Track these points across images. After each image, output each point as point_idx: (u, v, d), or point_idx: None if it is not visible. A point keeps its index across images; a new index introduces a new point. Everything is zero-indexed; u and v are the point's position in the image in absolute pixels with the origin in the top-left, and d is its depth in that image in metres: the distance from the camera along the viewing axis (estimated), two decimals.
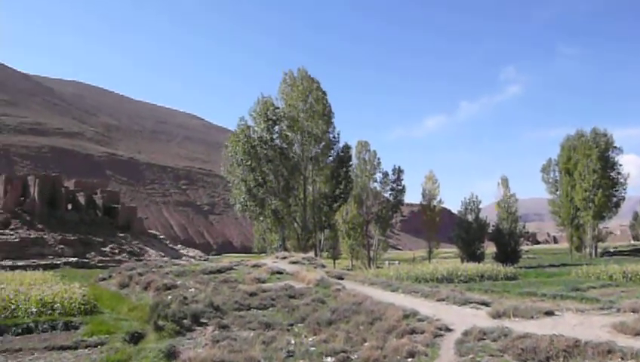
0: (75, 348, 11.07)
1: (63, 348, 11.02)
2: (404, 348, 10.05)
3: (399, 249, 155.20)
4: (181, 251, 77.67)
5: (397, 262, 59.58)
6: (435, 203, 67.80)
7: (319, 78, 48.35)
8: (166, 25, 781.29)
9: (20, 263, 42.52)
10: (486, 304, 15.60)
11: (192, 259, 65.07)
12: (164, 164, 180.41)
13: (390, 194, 64.44)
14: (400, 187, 64.03)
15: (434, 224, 67.51)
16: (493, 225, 59.39)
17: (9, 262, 41.06)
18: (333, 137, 48.37)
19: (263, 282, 20.03)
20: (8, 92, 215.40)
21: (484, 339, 10.81)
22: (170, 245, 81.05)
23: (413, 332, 11.82)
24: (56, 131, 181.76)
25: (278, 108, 46.47)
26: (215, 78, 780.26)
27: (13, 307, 14.23)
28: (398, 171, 64.25)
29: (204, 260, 66.54)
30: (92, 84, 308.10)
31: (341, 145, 49.13)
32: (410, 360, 9.74)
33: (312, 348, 10.23)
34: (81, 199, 74.44)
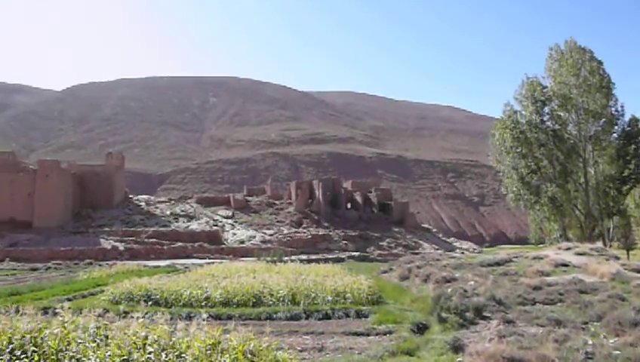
0: (368, 335, 11.94)
1: (357, 334, 12.02)
2: None
3: None
4: (454, 244, 77.93)
5: None
6: None
7: (592, 47, 42.87)
8: (427, 23, 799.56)
9: (313, 257, 48.24)
10: None
11: (466, 252, 64.59)
12: (431, 158, 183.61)
13: None
14: None
15: None
16: None
17: (304, 256, 46.95)
18: (616, 111, 42.26)
19: (547, 275, 18.64)
20: (292, 109, 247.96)
21: None
22: (443, 238, 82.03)
23: None
24: (331, 138, 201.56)
25: (546, 87, 42.82)
26: (474, 67, 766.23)
27: (313, 295, 16.17)
28: None
29: (478, 252, 65.36)
30: (358, 92, 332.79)
31: (626, 118, 42.64)
32: None
33: (616, 352, 9.03)
34: (358, 198, 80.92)
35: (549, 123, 42.63)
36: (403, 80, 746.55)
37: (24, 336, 7.38)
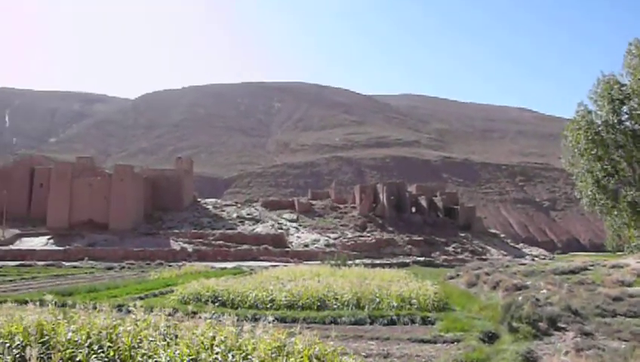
0: (434, 342, 11.60)
1: (423, 341, 11.70)
2: None
3: None
4: (523, 250, 75.20)
5: None
6: None
7: None
8: (493, 24, 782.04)
9: (377, 261, 47.84)
10: None
11: (536, 259, 62.14)
12: (498, 162, 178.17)
13: None
14: None
15: None
16: None
17: (368, 261, 46.61)
18: None
19: (629, 285, 17.55)
20: (355, 113, 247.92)
21: None
22: (511, 244, 79.32)
23: None
24: (395, 142, 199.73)
25: (624, 85, 40.33)
26: (545, 66, 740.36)
27: (378, 300, 15.97)
28: None
29: (550, 259, 62.77)
30: (423, 95, 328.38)
31: None
32: None
33: None
34: (423, 202, 79.67)
35: (627, 123, 40.11)
36: (470, 82, 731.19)
37: (101, 332, 7.74)
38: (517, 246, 78.81)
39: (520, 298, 14.61)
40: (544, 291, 16.87)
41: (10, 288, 23.19)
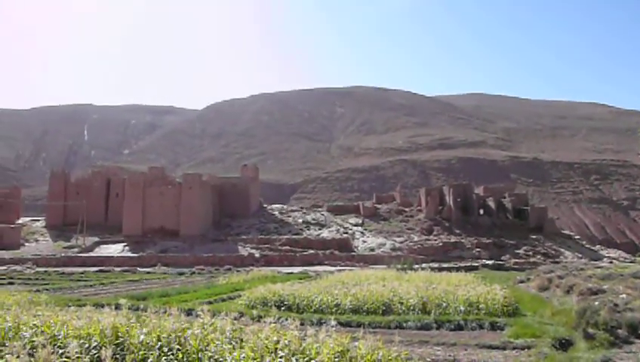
0: (503, 349, 11.24)
1: (491, 347, 11.36)
2: None
3: None
4: (600, 252, 71.43)
5: None
6: None
7: None
8: (559, 15, 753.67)
9: (444, 265, 46.88)
10: None
11: (615, 261, 58.85)
12: (570, 160, 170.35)
13: None
14: None
15: None
16: None
17: (435, 264, 45.80)
18: None
19: None
20: (419, 115, 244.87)
21: None
22: (587, 246, 75.55)
23: None
24: (460, 143, 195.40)
25: None
26: (620, 58, 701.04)
27: (444, 305, 15.67)
28: None
29: (630, 262, 59.31)
30: (487, 93, 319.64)
31: None
32: None
33: None
34: (491, 204, 77.38)
35: None
36: (537, 79, 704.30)
37: (170, 335, 8.06)
38: (593, 248, 75.00)
39: (596, 303, 13.87)
40: (623, 296, 15.93)
41: (92, 292, 24.60)
